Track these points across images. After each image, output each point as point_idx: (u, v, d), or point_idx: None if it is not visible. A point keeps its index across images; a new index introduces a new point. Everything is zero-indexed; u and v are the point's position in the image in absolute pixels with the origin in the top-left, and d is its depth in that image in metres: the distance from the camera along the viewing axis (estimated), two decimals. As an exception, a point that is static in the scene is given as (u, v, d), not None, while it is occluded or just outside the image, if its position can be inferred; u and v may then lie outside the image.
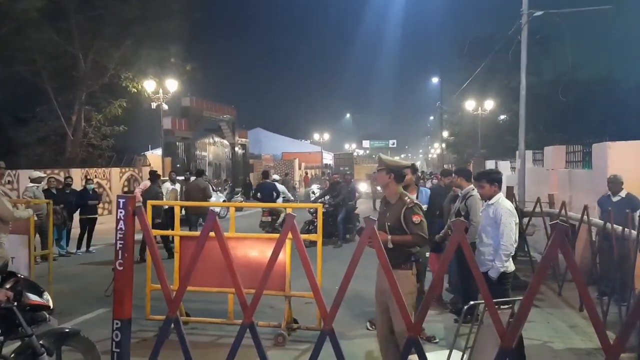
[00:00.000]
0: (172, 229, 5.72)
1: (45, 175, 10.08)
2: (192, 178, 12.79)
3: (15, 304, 3.01)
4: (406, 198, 3.80)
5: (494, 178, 4.55)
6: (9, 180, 12.55)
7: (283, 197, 11.61)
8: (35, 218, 7.27)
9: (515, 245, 4.35)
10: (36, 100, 18.83)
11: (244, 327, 2.35)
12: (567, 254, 2.03)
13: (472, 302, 3.08)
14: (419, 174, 10.03)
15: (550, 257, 2.09)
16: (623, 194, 6.67)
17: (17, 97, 18.72)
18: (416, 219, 3.70)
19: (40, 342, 3.09)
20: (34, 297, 3.17)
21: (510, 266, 4.36)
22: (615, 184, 6.75)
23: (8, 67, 16.25)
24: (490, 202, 4.52)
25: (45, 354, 3.09)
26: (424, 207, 5.21)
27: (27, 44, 15.74)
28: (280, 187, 11.87)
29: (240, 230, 5.40)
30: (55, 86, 17.64)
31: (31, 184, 9.17)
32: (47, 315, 3.29)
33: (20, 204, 6.60)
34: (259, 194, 11.31)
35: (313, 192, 17.39)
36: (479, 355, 3.03)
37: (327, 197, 12.08)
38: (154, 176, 9.73)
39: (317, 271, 4.62)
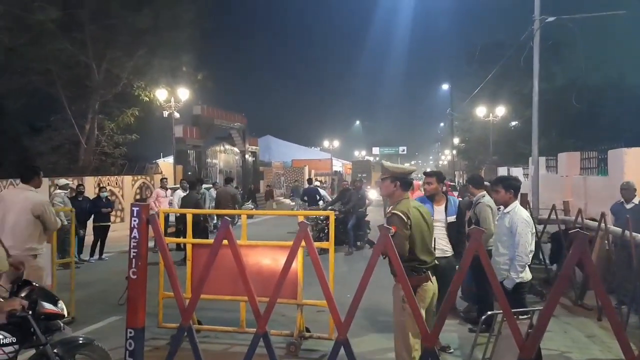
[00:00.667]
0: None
1: (71, 182, 10.31)
2: (204, 186, 12.90)
3: (30, 312, 3.02)
4: (390, 207, 3.61)
5: (511, 185, 4.44)
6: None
7: (323, 199, 14.08)
8: (66, 222, 7.45)
9: (531, 256, 4.25)
10: (50, 110, 19.18)
11: (257, 336, 2.33)
12: (588, 263, 1.98)
13: (490, 312, 3.03)
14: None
15: (571, 267, 2.05)
16: (637, 200, 6.55)
17: (32, 107, 19.06)
18: (391, 230, 3.52)
19: (55, 350, 3.10)
20: (48, 306, 3.17)
21: (527, 276, 4.25)
22: (628, 190, 6.62)
23: (23, 76, 16.54)
24: (506, 210, 4.42)
25: (59, 362, 3.10)
26: (452, 218, 5.01)
27: (41, 54, 16.01)
28: (322, 192, 14.75)
29: (252, 238, 5.39)
30: (69, 95, 17.92)
31: (59, 191, 9.36)
32: (62, 324, 3.30)
33: None
34: (305, 197, 14.10)
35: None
36: (496, 366, 2.97)
37: (330, 204, 12.45)
38: (192, 183, 10.61)
39: (329, 279, 4.57)
